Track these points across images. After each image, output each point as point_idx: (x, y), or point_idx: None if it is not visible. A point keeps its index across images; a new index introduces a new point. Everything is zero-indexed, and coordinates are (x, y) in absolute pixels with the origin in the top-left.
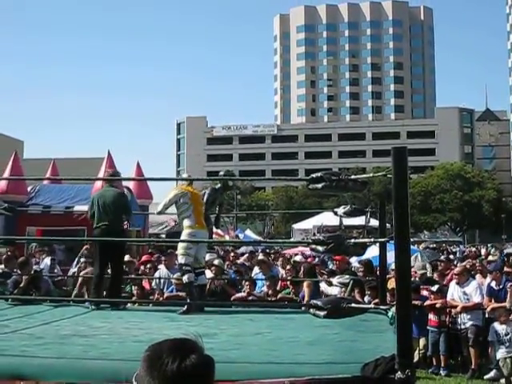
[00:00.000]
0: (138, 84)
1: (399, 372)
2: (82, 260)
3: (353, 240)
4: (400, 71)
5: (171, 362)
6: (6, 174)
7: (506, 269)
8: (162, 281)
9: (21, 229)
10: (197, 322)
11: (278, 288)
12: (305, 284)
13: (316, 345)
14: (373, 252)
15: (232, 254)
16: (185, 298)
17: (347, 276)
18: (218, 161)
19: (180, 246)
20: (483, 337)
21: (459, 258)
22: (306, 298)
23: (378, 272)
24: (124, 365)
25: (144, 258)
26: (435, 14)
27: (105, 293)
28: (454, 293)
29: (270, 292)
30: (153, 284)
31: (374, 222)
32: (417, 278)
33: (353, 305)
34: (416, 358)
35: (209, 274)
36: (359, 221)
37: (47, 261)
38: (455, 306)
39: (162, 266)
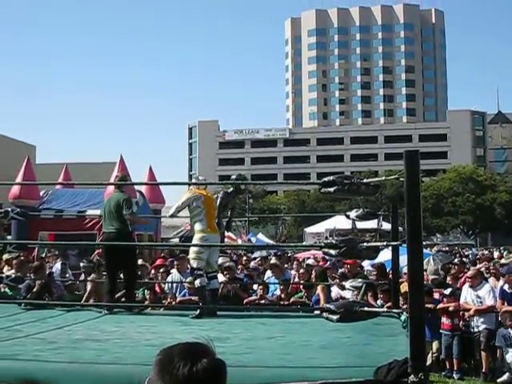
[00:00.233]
0: (150, 88)
1: (412, 375)
2: (83, 265)
3: (365, 244)
4: (411, 74)
5: (183, 366)
6: (19, 179)
7: None
8: (174, 285)
9: (33, 233)
10: (209, 326)
11: (290, 292)
12: (319, 288)
13: (329, 349)
14: (385, 255)
15: (244, 258)
16: (197, 302)
17: (360, 280)
18: (229, 165)
19: (192, 250)
20: (496, 340)
21: (471, 262)
22: (322, 302)
23: (390, 275)
24: (137, 369)
25: (158, 262)
26: (446, 17)
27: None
28: (467, 296)
29: (282, 296)
30: (165, 288)
31: (387, 226)
32: (429, 282)
33: (365, 308)
34: (429, 362)
35: (221, 277)
36: (372, 224)
37: (58, 265)
38: (468, 310)
39: (174, 270)
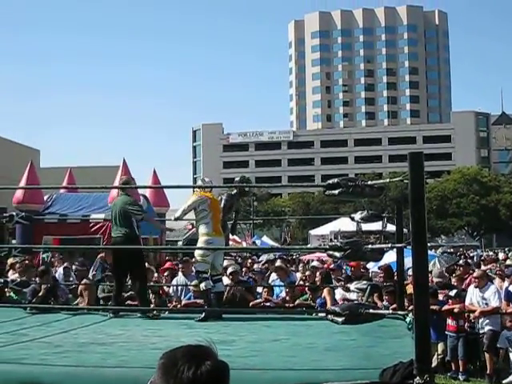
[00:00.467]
0: (153, 90)
1: (418, 377)
2: (76, 267)
3: (370, 245)
4: (415, 76)
5: (187, 369)
6: (23, 184)
7: None
8: (179, 288)
9: (37, 238)
10: (215, 329)
11: (295, 294)
12: (325, 291)
13: (334, 351)
14: (390, 257)
15: (249, 261)
16: (202, 305)
17: (365, 282)
18: (234, 167)
19: (197, 253)
20: (499, 342)
21: (476, 263)
22: (329, 305)
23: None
24: (142, 372)
25: (167, 264)
26: (450, 18)
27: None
28: (473, 297)
29: (287, 298)
30: (170, 291)
31: (391, 227)
32: (433, 284)
33: (371, 310)
34: (434, 363)
35: (226, 280)
36: (376, 226)
37: (61, 270)
38: (473, 311)
39: (179, 273)
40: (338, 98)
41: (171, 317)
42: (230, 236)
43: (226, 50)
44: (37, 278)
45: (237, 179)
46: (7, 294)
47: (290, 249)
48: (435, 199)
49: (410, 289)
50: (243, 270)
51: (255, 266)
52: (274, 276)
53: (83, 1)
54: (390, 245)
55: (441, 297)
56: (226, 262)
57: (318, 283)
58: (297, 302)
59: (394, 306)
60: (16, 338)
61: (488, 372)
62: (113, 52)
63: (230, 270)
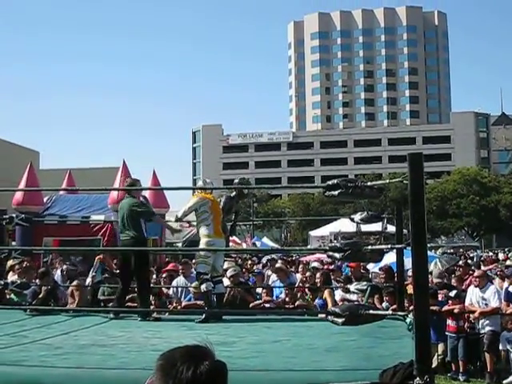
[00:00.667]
0: (153, 92)
1: (418, 378)
2: (66, 267)
3: (370, 246)
4: (415, 77)
5: (186, 370)
6: (22, 185)
7: None
8: (179, 289)
9: (37, 239)
10: (215, 330)
11: (295, 295)
12: (326, 292)
13: (334, 352)
14: (391, 258)
15: (249, 262)
16: (203, 307)
17: (365, 283)
18: (234, 169)
19: (198, 254)
20: (500, 343)
21: (476, 263)
22: (330, 306)
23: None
24: (143, 374)
25: (170, 266)
26: (449, 18)
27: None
28: (473, 297)
29: (287, 299)
30: (170, 292)
31: (391, 228)
32: (433, 285)
33: (371, 311)
34: (435, 364)
35: (226, 282)
36: (376, 227)
37: (59, 272)
38: (473, 312)
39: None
40: (337, 99)
41: (171, 318)
42: (230, 237)
43: (225, 51)
44: (37, 280)
45: (236, 181)
46: (7, 296)
47: (290, 250)
48: (435, 200)
49: (410, 289)
50: (243, 270)
51: (255, 267)
52: (274, 277)
53: (83, 0)
54: (389, 246)
55: (440, 297)
56: (226, 264)
57: (319, 284)
58: (297, 303)
59: (394, 306)
60: (16, 339)
61: (488, 372)
62: (112, 53)
63: (230, 272)
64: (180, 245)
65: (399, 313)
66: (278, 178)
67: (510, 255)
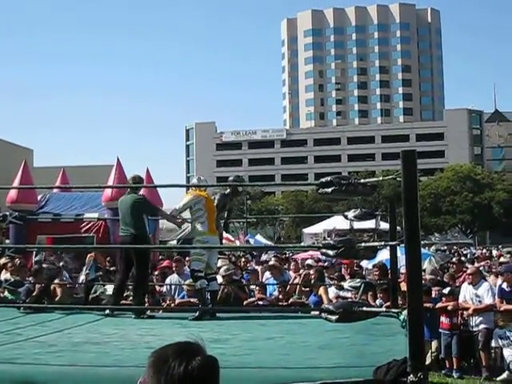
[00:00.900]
0: (146, 90)
1: (411, 375)
2: (46, 266)
3: (363, 244)
4: (408, 74)
5: (178, 366)
6: (16, 183)
7: None
8: (173, 287)
9: (31, 237)
10: (209, 327)
11: (288, 292)
12: (321, 289)
13: (328, 349)
14: (384, 255)
15: (243, 260)
16: (196, 304)
17: (358, 280)
18: (227, 166)
19: (192, 252)
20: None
21: (469, 260)
22: (325, 303)
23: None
24: (136, 371)
25: (165, 263)
26: (442, 15)
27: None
28: (466, 294)
29: (280, 297)
30: (164, 290)
31: (385, 225)
32: (427, 281)
33: (364, 308)
34: (428, 361)
35: (220, 279)
36: (369, 224)
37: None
38: (467, 309)
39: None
40: (330, 96)
41: (165, 316)
42: (224, 234)
43: (218, 48)
44: (30, 278)
45: (231, 179)
46: (1, 294)
47: (283, 247)
48: (428, 197)
49: (403, 287)
50: (237, 267)
51: (249, 264)
52: (267, 274)
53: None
54: (383, 243)
55: (434, 294)
56: (220, 262)
57: (313, 281)
58: (290, 300)
59: (388, 303)
60: (10, 337)
61: (482, 369)
62: (106, 52)
63: (224, 270)
64: (174, 242)
65: (393, 310)
66: (271, 175)
67: (503, 252)
